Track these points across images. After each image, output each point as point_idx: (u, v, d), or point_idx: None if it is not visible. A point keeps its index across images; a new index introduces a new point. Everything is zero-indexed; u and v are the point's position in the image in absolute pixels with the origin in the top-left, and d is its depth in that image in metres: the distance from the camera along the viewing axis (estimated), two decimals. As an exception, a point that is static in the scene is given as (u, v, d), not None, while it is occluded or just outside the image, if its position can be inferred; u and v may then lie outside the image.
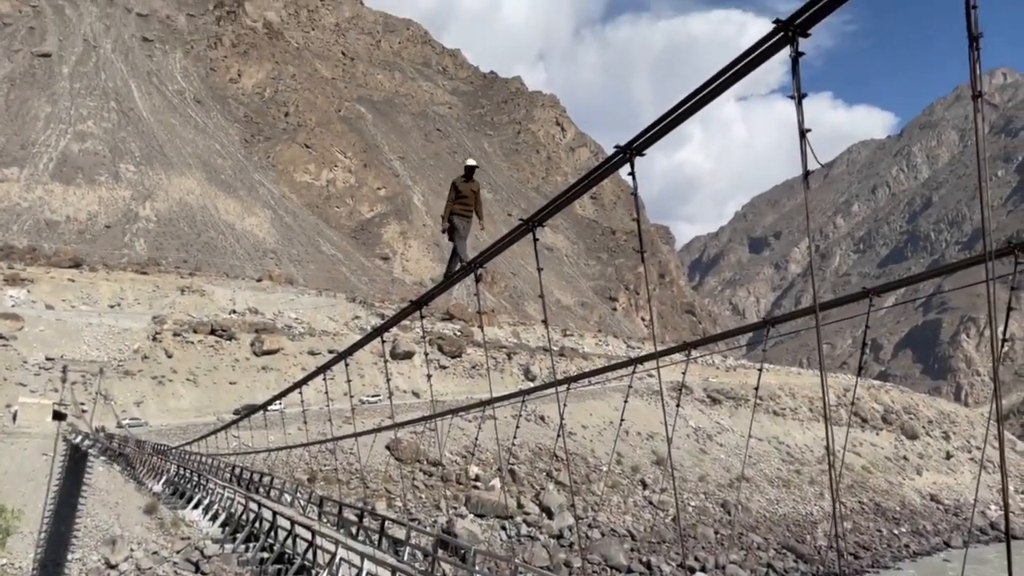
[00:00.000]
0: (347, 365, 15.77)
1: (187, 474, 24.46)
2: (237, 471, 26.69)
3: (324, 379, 17.60)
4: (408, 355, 67.38)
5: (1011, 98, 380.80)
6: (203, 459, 29.71)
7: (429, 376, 15.01)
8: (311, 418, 42.42)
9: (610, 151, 8.05)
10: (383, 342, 13.95)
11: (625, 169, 7.89)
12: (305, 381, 20.80)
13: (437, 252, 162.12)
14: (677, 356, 13.54)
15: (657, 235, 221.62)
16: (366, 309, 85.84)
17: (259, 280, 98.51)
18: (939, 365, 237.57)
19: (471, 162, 11.16)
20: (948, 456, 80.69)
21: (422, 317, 11.81)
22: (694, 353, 12.90)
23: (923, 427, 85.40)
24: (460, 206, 10.90)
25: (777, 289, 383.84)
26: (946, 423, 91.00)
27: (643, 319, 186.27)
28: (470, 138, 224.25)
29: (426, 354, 50.83)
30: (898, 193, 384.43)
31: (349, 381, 18.84)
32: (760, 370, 13.70)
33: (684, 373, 14.08)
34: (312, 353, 65.77)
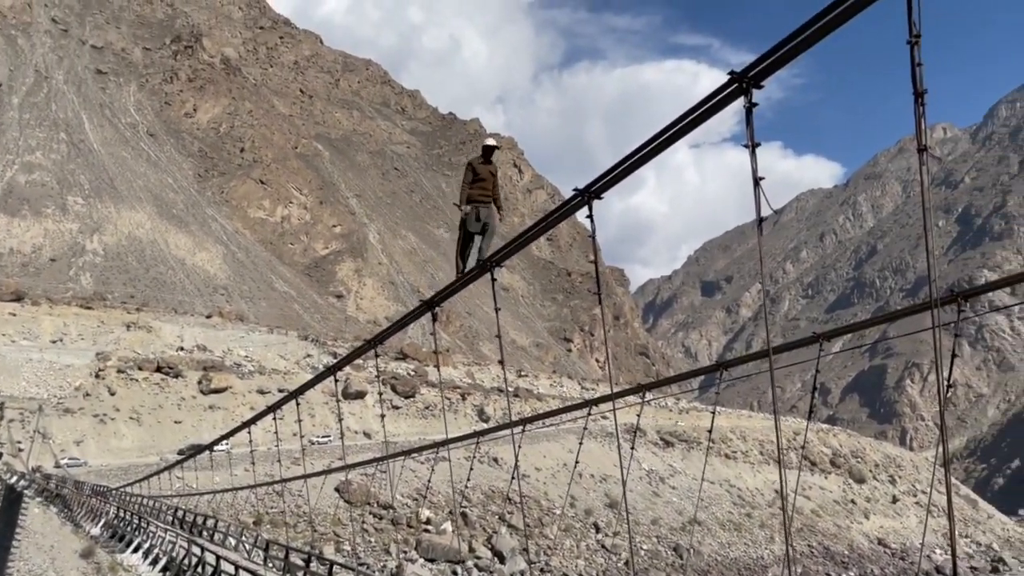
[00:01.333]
0: (298, 404, 15.50)
1: (127, 516, 23.57)
2: (180, 514, 25.83)
3: (273, 419, 17.25)
4: (360, 395, 66.44)
5: (951, 152, 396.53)
6: (144, 501, 28.69)
7: (383, 416, 14.84)
8: (259, 459, 41.37)
9: (567, 194, 8.16)
10: (336, 381, 13.74)
11: (582, 212, 8.00)
12: (253, 421, 20.34)
13: (392, 291, 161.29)
14: (631, 398, 13.60)
15: (612, 277, 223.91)
16: (318, 348, 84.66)
17: (209, 317, 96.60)
18: (885, 409, 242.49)
19: (491, 141, 10.01)
20: (894, 500, 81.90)
21: (376, 356, 11.63)
22: (648, 395, 12.97)
23: (870, 471, 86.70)
24: (477, 191, 9.73)
25: (728, 332, 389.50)
26: (892, 467, 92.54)
27: (598, 360, 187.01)
28: (428, 178, 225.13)
29: (380, 394, 50.19)
30: (844, 241, 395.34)
31: (299, 421, 18.50)
32: (713, 413, 13.82)
33: (638, 415, 14.10)
34: (262, 392, 64.44)
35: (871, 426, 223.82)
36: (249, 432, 20.55)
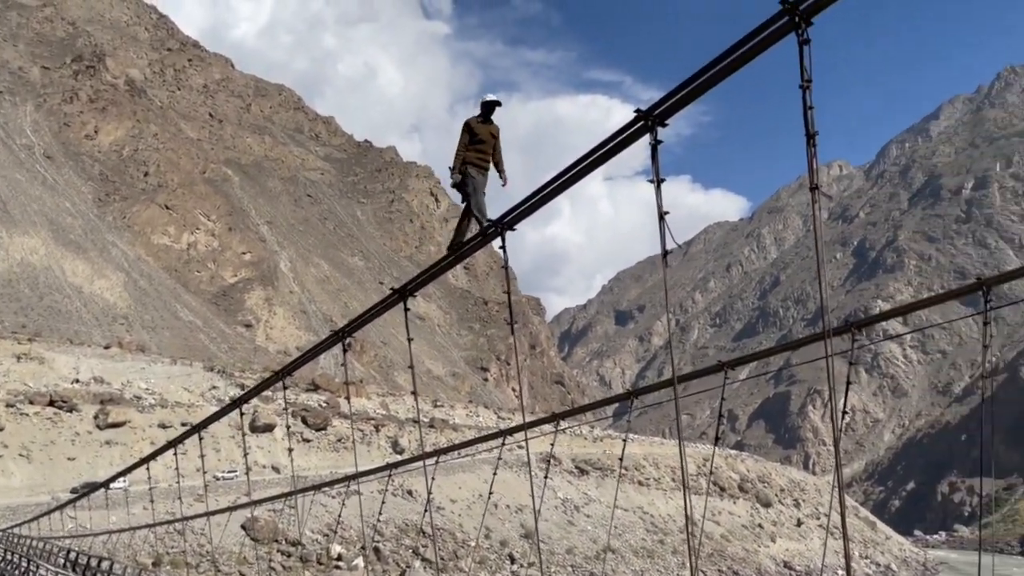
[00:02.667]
0: (201, 439, 14.94)
1: (15, 559, 22.10)
2: (72, 555, 24.38)
3: (175, 454, 16.57)
4: (269, 428, 64.45)
5: (846, 188, 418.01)
6: (34, 543, 26.95)
7: (290, 450, 14.45)
8: (159, 496, 39.53)
9: (486, 223, 8.24)
10: (242, 414, 13.34)
11: (498, 241, 8.09)
12: (154, 456, 19.48)
13: (303, 320, 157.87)
14: (546, 427, 13.71)
15: (528, 306, 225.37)
16: (225, 379, 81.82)
17: (107, 347, 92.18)
18: (789, 435, 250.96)
19: (491, 97, 8.88)
20: (799, 523, 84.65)
21: (285, 388, 11.33)
22: (562, 424, 13.09)
23: (776, 495, 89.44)
24: (475, 153, 8.64)
25: (641, 360, 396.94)
26: (796, 491, 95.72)
27: (514, 390, 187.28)
28: (342, 205, 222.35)
29: (288, 427, 48.85)
30: (750, 272, 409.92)
31: (203, 456, 17.84)
32: (625, 440, 14.05)
33: (552, 444, 14.20)
34: (163, 426, 61.72)
35: (777, 451, 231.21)
36: (148, 468, 19.67)
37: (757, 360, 11.11)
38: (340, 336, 8.70)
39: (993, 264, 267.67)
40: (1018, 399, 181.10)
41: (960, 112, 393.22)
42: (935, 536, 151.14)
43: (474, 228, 8.47)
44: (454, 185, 8.64)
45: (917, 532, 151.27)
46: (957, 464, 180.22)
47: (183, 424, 59.87)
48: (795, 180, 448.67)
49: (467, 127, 8.76)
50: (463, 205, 8.64)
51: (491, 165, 8.79)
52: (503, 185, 8.89)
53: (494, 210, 8.32)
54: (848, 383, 10.03)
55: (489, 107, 8.75)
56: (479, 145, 8.64)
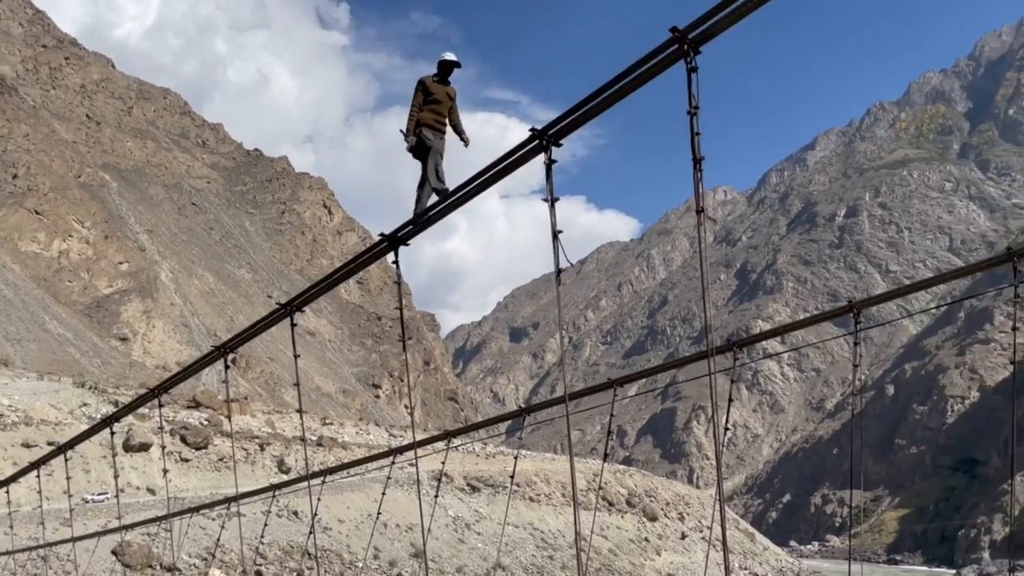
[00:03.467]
0: (67, 459, 14.00)
1: None
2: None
3: (38, 475, 15.45)
4: (144, 447, 61.16)
5: (731, 212, 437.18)
6: None
7: (165, 471, 13.76)
8: (20, 521, 36.81)
9: (379, 237, 8.09)
10: (113, 433, 12.57)
11: (392, 255, 7.96)
12: (15, 478, 18.10)
13: (185, 334, 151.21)
14: (438, 444, 13.58)
15: (423, 322, 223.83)
16: (97, 395, 77.18)
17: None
18: (675, 450, 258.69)
19: (450, 56, 8.14)
20: (683, 536, 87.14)
21: (160, 405, 10.76)
22: (454, 441, 13.00)
23: (662, 509, 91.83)
24: (431, 114, 8.02)
25: (535, 377, 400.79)
26: (681, 504, 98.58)
27: (407, 407, 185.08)
28: (230, 215, 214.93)
29: (163, 447, 46.59)
30: (640, 291, 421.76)
31: (69, 477, 16.69)
32: (516, 457, 14.08)
33: (443, 462, 14.06)
34: (27, 445, 57.52)
35: (663, 466, 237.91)
36: (7, 492, 18.25)
37: (645, 377, 11.39)
38: (222, 351, 8.31)
39: (863, 287, 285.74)
40: (885, 415, 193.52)
41: (834, 144, 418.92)
42: (808, 546, 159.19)
43: (433, 197, 7.93)
44: (409, 149, 8.00)
45: (792, 542, 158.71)
46: (830, 477, 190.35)
47: (49, 443, 56.01)
48: (683, 203, 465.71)
49: (422, 85, 8.07)
50: (420, 172, 8.05)
51: (447, 127, 8.20)
52: (465, 146, 8.32)
53: (453, 179, 7.74)
54: (730, 400, 10.42)
55: (447, 67, 8.14)
56: (435, 106, 8.02)
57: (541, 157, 6.19)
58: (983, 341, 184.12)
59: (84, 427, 60.42)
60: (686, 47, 4.71)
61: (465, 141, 8.32)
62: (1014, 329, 8.05)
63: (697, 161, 4.78)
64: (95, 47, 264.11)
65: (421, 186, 8.07)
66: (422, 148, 8.01)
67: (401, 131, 8.22)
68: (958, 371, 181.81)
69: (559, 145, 6.05)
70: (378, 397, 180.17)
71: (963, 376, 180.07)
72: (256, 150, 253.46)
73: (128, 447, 60.11)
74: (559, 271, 5.80)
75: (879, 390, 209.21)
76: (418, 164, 8.19)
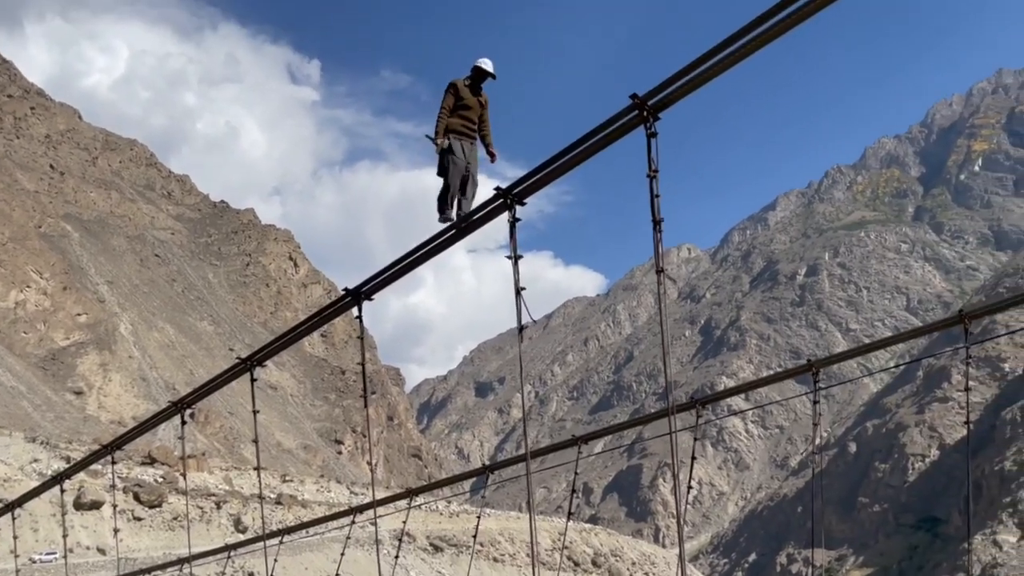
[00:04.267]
0: (14, 517, 13.48)
1: None
2: None
3: (-19, 537, 14.80)
4: (96, 505, 59.09)
5: (694, 269, 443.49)
6: None
7: (116, 530, 13.31)
8: (-41, 585, 35.09)
9: (343, 291, 8.09)
10: (62, 491, 12.16)
11: (356, 310, 7.94)
12: (-45, 540, 17.33)
13: (143, 388, 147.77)
14: (400, 503, 13.31)
15: (388, 376, 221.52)
16: (49, 451, 74.71)
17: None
18: (641, 508, 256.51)
19: (487, 65, 7.55)
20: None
21: (113, 462, 10.46)
22: (417, 499, 12.76)
23: (628, 569, 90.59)
24: (459, 120, 7.51)
25: (500, 433, 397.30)
26: (647, 564, 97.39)
27: (369, 463, 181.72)
28: (193, 267, 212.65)
29: (114, 505, 45.16)
30: (606, 346, 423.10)
31: (16, 537, 16.06)
32: (479, 517, 13.86)
33: (405, 521, 13.78)
34: (-29, 504, 55.29)
35: (629, 524, 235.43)
36: (-53, 554, 17.44)
37: (609, 434, 11.39)
38: (179, 407, 8.14)
39: (824, 345, 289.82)
40: (848, 472, 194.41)
41: (794, 204, 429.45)
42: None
43: (465, 202, 7.41)
44: (441, 152, 7.43)
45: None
46: (794, 535, 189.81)
47: (-5, 502, 53.85)
48: (648, 260, 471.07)
49: (453, 88, 7.54)
50: (441, 186, 7.54)
51: (477, 137, 7.75)
52: (492, 161, 7.82)
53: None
54: (693, 457, 10.43)
55: (481, 75, 7.61)
56: (465, 111, 7.52)
57: (505, 214, 6.28)
58: (941, 400, 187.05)
59: (34, 484, 58.25)
60: (646, 113, 4.86)
61: (492, 155, 7.86)
62: (967, 390, 8.24)
63: (657, 223, 4.90)
64: (62, 98, 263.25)
65: (443, 197, 7.63)
66: (448, 155, 7.53)
67: (428, 136, 7.77)
68: (918, 429, 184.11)
69: (523, 204, 6.15)
70: (340, 453, 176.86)
71: (923, 434, 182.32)
72: (222, 202, 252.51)
73: (79, 505, 58.02)
74: (521, 328, 5.84)
75: (841, 448, 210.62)
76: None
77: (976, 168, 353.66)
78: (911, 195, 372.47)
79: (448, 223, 7.22)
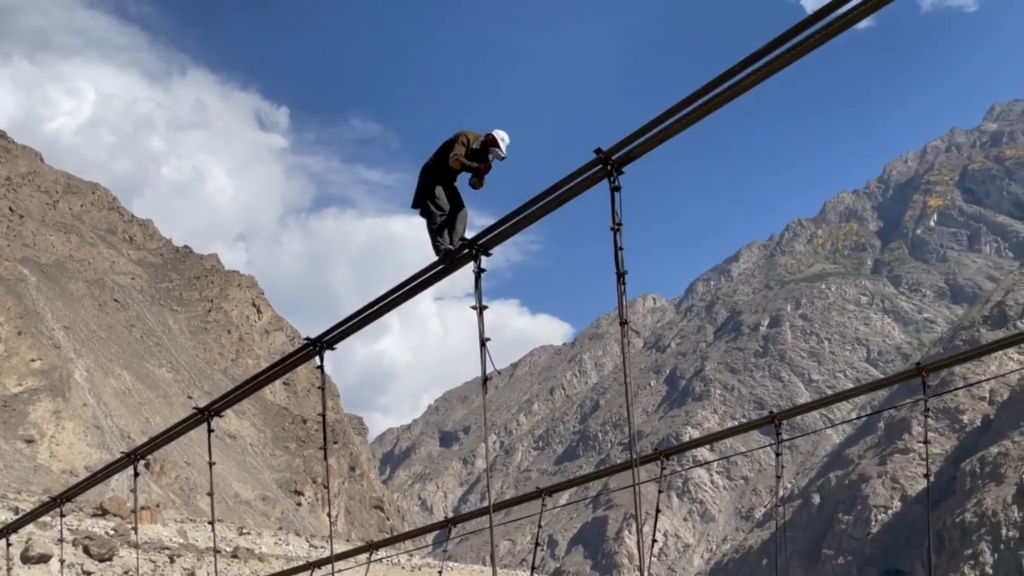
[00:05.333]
0: (-47, 576, 12.83)
1: None
2: None
3: (-83, 595, 14.09)
4: (44, 558, 56.74)
5: (660, 319, 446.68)
6: None
7: (63, 588, 12.74)
8: None
9: (305, 340, 7.99)
10: (9, 544, 11.65)
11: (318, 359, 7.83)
12: None
13: (97, 436, 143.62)
14: (361, 556, 12.98)
15: (350, 425, 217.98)
16: (-4, 502, 72.02)
17: None
18: (606, 560, 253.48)
19: (502, 142, 7.67)
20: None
21: (62, 515, 10.10)
22: (378, 553, 12.46)
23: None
24: (471, 163, 7.65)
25: (464, 484, 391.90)
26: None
27: (329, 516, 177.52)
28: (153, 312, 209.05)
29: (62, 560, 43.55)
30: (572, 395, 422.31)
31: (-46, 596, 15.30)
32: (439, 572, 13.56)
33: (365, 575, 13.44)
34: (-91, 558, 52.79)
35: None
36: None
37: (574, 486, 11.28)
38: (133, 458, 7.91)
39: (787, 395, 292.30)
40: (812, 524, 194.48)
41: (756, 256, 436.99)
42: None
43: (458, 229, 7.44)
44: (460, 167, 7.51)
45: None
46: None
47: (-66, 556, 51.53)
48: (613, 309, 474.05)
49: (466, 139, 7.73)
50: (437, 214, 7.63)
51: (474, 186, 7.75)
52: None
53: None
54: (658, 509, 10.35)
55: (489, 145, 7.72)
56: (476, 158, 7.65)
57: (470, 265, 6.29)
58: (902, 451, 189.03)
59: (-24, 537, 55.88)
60: (609, 167, 4.93)
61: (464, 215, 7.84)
62: (926, 442, 8.33)
63: (620, 275, 4.94)
64: (24, 140, 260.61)
65: (439, 231, 7.71)
66: (455, 199, 7.68)
67: (451, 153, 7.81)
68: (880, 480, 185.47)
69: (488, 254, 6.17)
70: (300, 504, 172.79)
71: (885, 486, 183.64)
72: (185, 247, 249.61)
73: (26, 559, 55.68)
74: (486, 379, 5.81)
75: (805, 499, 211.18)
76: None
77: (932, 223, 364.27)
78: (869, 248, 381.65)
79: (448, 250, 7.20)
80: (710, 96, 4.92)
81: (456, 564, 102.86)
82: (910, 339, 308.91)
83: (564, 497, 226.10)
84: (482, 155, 7.89)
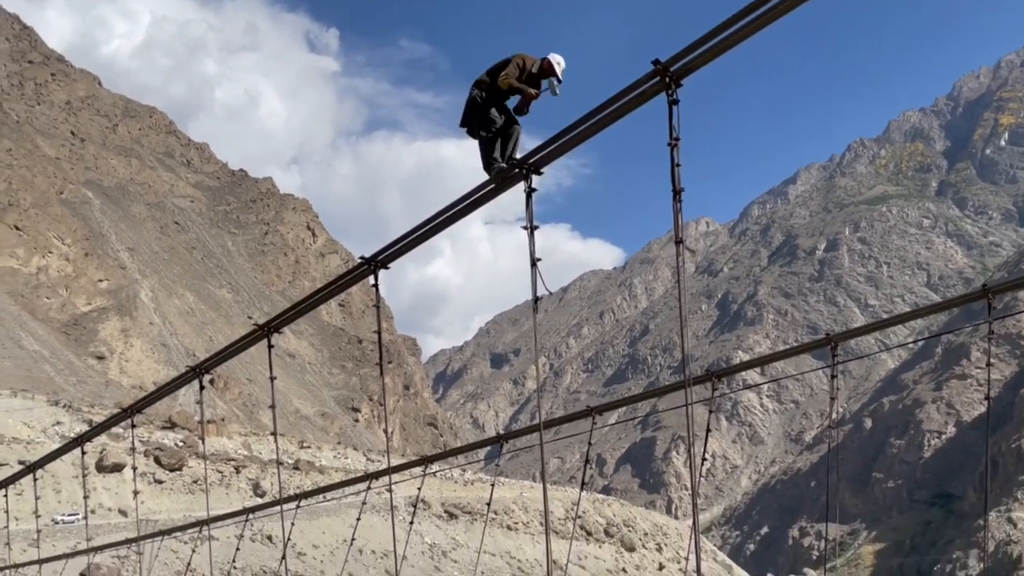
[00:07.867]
0: (35, 479, 13.73)
1: None
2: None
3: (5, 495, 15.13)
4: (118, 467, 60.15)
5: (712, 243, 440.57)
6: None
7: (136, 492, 13.50)
8: (-14, 543, 35.89)
9: (359, 260, 8.08)
10: (83, 452, 12.34)
11: (373, 279, 7.94)
12: (-19, 499, 17.71)
13: (163, 353, 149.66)
14: (415, 470, 13.43)
15: (404, 346, 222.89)
16: (71, 414, 76.10)
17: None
18: (654, 480, 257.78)
19: (558, 67, 7.34)
20: (661, 567, 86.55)
21: (133, 426, 10.61)
22: (432, 467, 12.88)
23: (640, 539, 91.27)
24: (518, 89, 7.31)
25: (515, 404, 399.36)
26: (659, 535, 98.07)
27: (385, 431, 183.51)
28: (212, 234, 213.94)
29: (134, 468, 45.98)
30: (621, 319, 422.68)
31: (38, 498, 16.37)
32: (492, 485, 13.98)
33: (420, 488, 13.93)
34: (-3, 464, 56.45)
35: (642, 496, 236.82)
36: (-27, 512, 17.84)
37: (624, 406, 11.40)
38: (198, 372, 8.20)
39: (842, 321, 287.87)
40: (863, 448, 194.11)
41: (815, 178, 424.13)
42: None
43: (510, 145, 7.27)
44: (509, 88, 7.22)
45: (770, 575, 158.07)
46: (807, 510, 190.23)
47: (20, 462, 54.95)
48: (665, 233, 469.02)
49: (521, 62, 7.35)
50: (492, 128, 7.30)
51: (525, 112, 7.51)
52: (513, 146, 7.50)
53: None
54: (708, 430, 10.43)
55: (545, 70, 7.32)
56: (523, 87, 7.25)
57: (521, 185, 6.22)
58: (960, 376, 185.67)
59: (56, 446, 59.37)
60: (668, 80, 4.78)
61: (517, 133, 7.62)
62: (988, 365, 8.12)
63: (677, 192, 4.83)
64: (82, 64, 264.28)
65: (491, 143, 7.39)
66: (509, 117, 7.37)
67: (502, 75, 7.44)
68: (935, 406, 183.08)
69: (540, 174, 6.08)
70: (357, 421, 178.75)
71: (940, 411, 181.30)
72: (241, 170, 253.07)
73: (101, 467, 59.11)
74: (536, 299, 5.81)
75: (857, 423, 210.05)
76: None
77: (1002, 142, 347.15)
78: (935, 169, 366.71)
79: (501, 167, 6.92)
80: (772, 3, 4.67)
81: (507, 479, 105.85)
82: (973, 263, 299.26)
83: (613, 417, 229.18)
84: (535, 81, 7.55)
